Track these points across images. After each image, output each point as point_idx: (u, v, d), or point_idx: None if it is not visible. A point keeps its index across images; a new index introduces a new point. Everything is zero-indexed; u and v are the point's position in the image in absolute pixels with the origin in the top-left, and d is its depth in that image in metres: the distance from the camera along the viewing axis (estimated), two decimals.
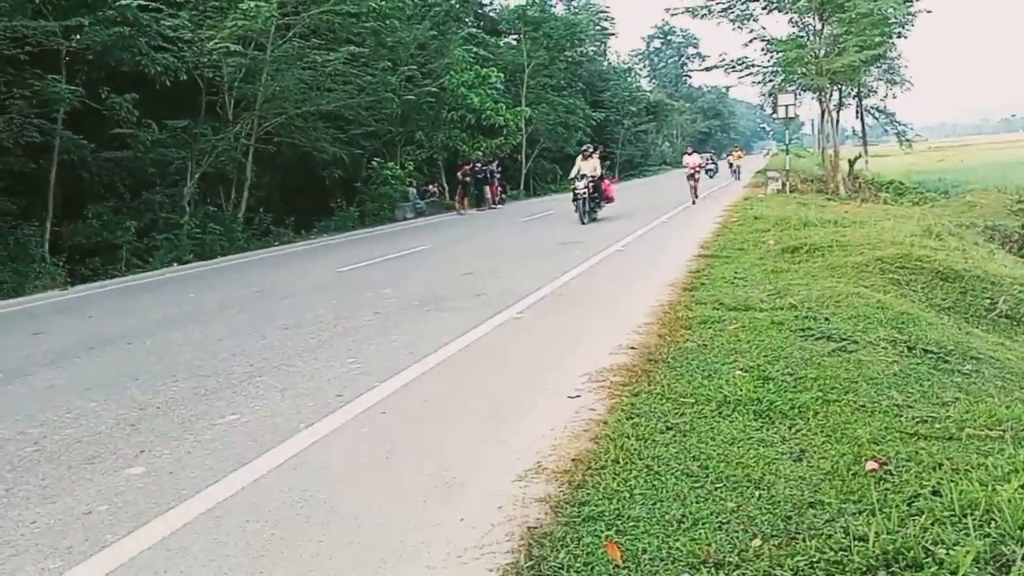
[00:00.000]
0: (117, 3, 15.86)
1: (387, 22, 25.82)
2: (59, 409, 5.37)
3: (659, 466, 3.63)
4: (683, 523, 3.08)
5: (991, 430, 3.98)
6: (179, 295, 11.65)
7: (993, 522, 2.87)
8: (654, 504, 3.25)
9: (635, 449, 3.84)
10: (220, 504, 3.60)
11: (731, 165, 42.99)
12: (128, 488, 3.88)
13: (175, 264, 16.47)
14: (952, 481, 3.23)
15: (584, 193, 18.21)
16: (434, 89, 28.37)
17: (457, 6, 34.20)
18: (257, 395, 5.42)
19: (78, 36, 16.00)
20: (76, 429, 4.91)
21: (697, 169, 24.28)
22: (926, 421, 4.11)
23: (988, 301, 8.92)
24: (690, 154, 24.99)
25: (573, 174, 18.76)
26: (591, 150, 19.81)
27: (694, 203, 23.06)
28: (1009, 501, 2.93)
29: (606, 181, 20.09)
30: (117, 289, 13.09)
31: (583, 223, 17.82)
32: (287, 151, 23.44)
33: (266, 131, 21.85)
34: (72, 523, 3.53)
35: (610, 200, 19.63)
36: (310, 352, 6.68)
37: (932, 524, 2.90)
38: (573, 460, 3.80)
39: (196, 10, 18.40)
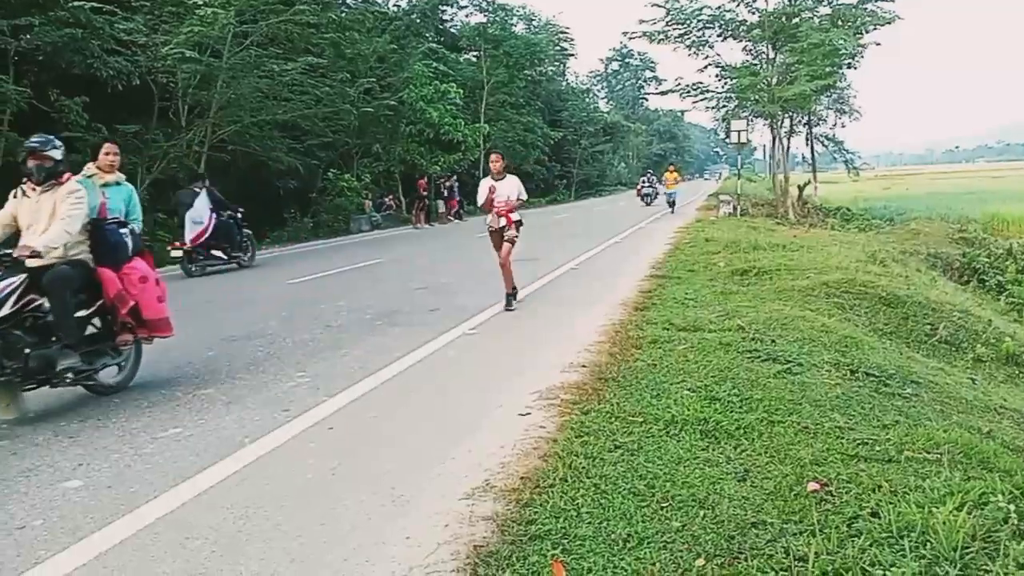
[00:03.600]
0: (70, 4, 15.57)
1: (347, 34, 25.81)
2: None
3: (607, 485, 3.64)
4: (629, 542, 3.09)
5: (929, 453, 4.08)
6: None
7: (928, 544, 2.94)
8: (601, 523, 3.26)
9: (583, 467, 3.85)
10: (160, 520, 3.51)
11: (665, 193, 32.21)
12: (64, 502, 3.77)
13: None
14: (890, 503, 3.30)
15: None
16: (393, 102, 28.33)
17: (418, 21, 34.33)
18: (201, 408, 5.31)
19: (28, 36, 15.65)
20: (11, 441, 4.75)
21: (509, 216, 9.20)
22: (867, 443, 4.21)
23: (929, 327, 9.16)
24: (498, 176, 9.16)
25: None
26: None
27: (511, 305, 9.05)
28: (944, 523, 3.01)
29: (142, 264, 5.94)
30: None
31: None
32: (241, 159, 23.14)
33: (220, 139, 21.58)
34: (4, 538, 3.41)
35: (155, 332, 5.97)
36: (258, 365, 6.58)
37: (870, 545, 2.96)
38: (522, 478, 3.80)
39: (152, 14, 18.14)
